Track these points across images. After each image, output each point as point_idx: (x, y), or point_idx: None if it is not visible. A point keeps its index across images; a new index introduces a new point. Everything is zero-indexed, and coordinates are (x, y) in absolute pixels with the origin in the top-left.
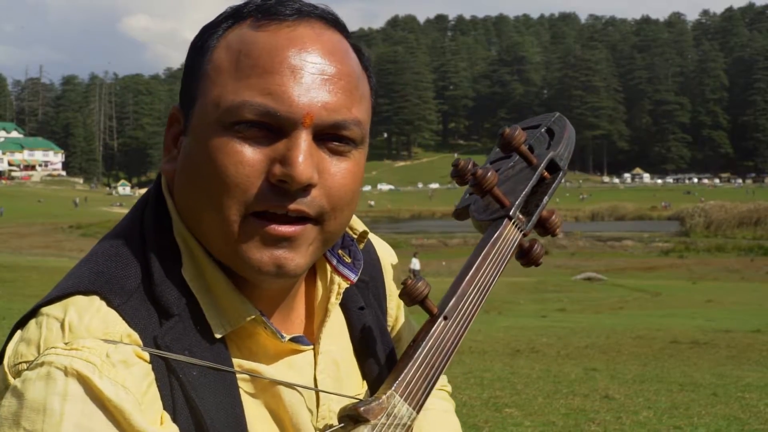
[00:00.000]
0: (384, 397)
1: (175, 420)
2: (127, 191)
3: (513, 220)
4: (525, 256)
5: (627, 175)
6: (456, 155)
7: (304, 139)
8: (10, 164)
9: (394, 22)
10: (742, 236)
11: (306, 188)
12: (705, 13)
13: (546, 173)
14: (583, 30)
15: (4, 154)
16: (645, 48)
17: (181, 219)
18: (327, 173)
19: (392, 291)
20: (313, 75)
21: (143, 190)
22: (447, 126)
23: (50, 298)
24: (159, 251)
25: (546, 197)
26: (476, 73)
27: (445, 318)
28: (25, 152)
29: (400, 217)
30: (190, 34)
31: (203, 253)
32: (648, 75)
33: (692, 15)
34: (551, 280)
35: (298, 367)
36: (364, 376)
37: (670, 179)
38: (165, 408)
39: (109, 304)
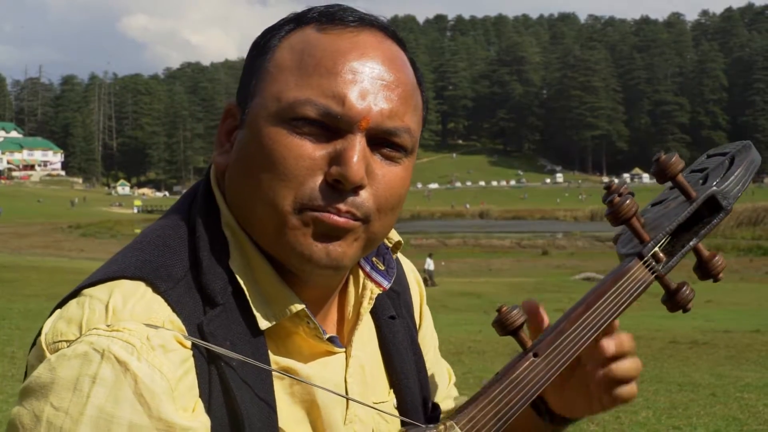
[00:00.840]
0: (442, 427)
1: (209, 408)
2: (126, 191)
3: (645, 260)
4: (671, 299)
5: (626, 176)
6: (454, 155)
7: (359, 142)
8: (9, 164)
9: (393, 22)
10: (741, 236)
11: (356, 189)
12: (704, 13)
13: (705, 210)
14: (582, 30)
15: (3, 153)
16: (644, 48)
17: (230, 211)
18: (378, 177)
19: (423, 313)
20: (373, 80)
21: (142, 190)
22: (446, 126)
23: (94, 281)
24: (207, 241)
25: (696, 239)
26: (475, 73)
27: (535, 355)
28: (25, 152)
29: (400, 217)
30: (189, 34)
31: (251, 245)
32: (647, 75)
33: (691, 15)
34: (550, 280)
35: (331, 368)
36: (392, 385)
37: None
38: (201, 396)
39: (155, 290)
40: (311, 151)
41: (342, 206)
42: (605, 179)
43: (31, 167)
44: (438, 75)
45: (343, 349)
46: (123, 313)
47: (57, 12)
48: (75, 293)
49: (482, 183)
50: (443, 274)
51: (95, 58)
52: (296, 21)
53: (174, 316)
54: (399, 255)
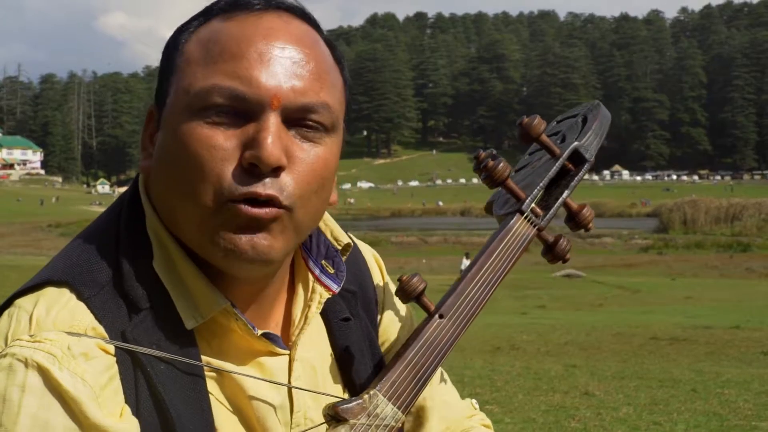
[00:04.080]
0: (366, 396)
1: (137, 413)
2: (106, 190)
3: (525, 215)
4: (550, 251)
5: (606, 172)
6: (434, 152)
7: (272, 122)
8: None
9: (373, 20)
10: (721, 233)
11: (276, 171)
12: (683, 10)
13: (571, 165)
14: (562, 28)
15: None
16: (624, 45)
17: (156, 214)
18: (296, 158)
19: (385, 300)
20: (281, 59)
21: (123, 189)
22: (426, 124)
23: (24, 288)
24: (131, 246)
25: (567, 190)
26: (455, 70)
27: (441, 316)
28: (4, 151)
29: (380, 215)
30: (168, 32)
31: (175, 246)
32: (627, 72)
33: (671, 13)
34: (531, 277)
35: (269, 371)
36: (346, 386)
37: (649, 176)
38: (127, 401)
39: (79, 296)
40: (223, 140)
41: (261, 190)
42: (586, 176)
43: (11, 166)
44: (418, 73)
45: (287, 351)
46: (46, 323)
47: (34, 10)
48: (8, 302)
49: (463, 180)
50: (424, 272)
51: (74, 56)
52: (204, 14)
53: (96, 323)
54: (358, 243)
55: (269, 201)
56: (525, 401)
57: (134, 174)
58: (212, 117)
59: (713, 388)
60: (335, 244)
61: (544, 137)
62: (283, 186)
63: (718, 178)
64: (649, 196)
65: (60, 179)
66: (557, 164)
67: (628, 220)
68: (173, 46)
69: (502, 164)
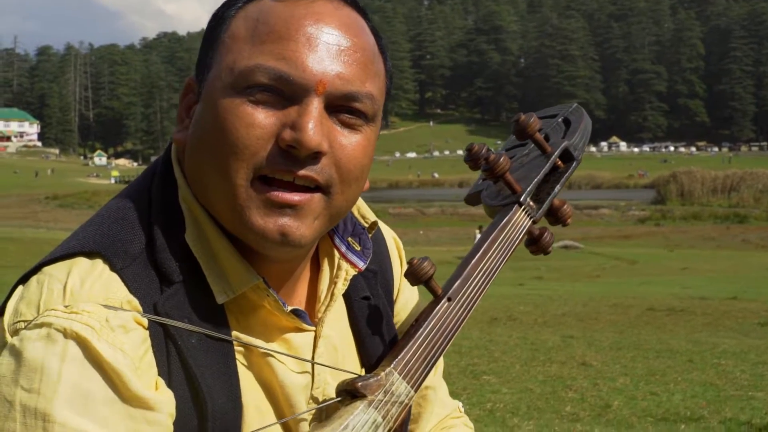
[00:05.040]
0: (383, 374)
1: (170, 386)
2: (103, 162)
3: (523, 207)
4: (535, 243)
5: (604, 144)
6: (431, 123)
7: (315, 107)
8: None
9: None
10: (718, 204)
11: (315, 156)
12: None
13: (560, 162)
14: None
15: None
16: (622, 17)
17: (188, 186)
18: (337, 144)
19: (403, 283)
20: (329, 45)
21: (119, 161)
22: (424, 95)
23: (54, 257)
24: (163, 217)
25: (558, 186)
26: (453, 42)
27: (449, 299)
28: (0, 123)
29: (378, 186)
30: (163, 3)
31: (208, 220)
32: (624, 44)
33: None
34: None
35: (295, 347)
36: (363, 365)
37: (646, 147)
38: (160, 374)
39: (112, 267)
40: (263, 118)
41: (300, 172)
42: None
43: (7, 138)
44: (415, 44)
45: (313, 328)
46: (81, 294)
47: None
48: (36, 269)
49: (460, 152)
50: (422, 243)
51: (70, 28)
52: None
53: (131, 296)
54: (380, 224)
55: (305, 186)
56: (522, 372)
57: (131, 146)
58: (255, 96)
59: (710, 358)
60: (362, 221)
61: (537, 135)
62: (323, 170)
63: (716, 149)
64: (647, 168)
65: (57, 151)
66: (550, 161)
67: (625, 191)
68: (219, 20)
69: (503, 158)
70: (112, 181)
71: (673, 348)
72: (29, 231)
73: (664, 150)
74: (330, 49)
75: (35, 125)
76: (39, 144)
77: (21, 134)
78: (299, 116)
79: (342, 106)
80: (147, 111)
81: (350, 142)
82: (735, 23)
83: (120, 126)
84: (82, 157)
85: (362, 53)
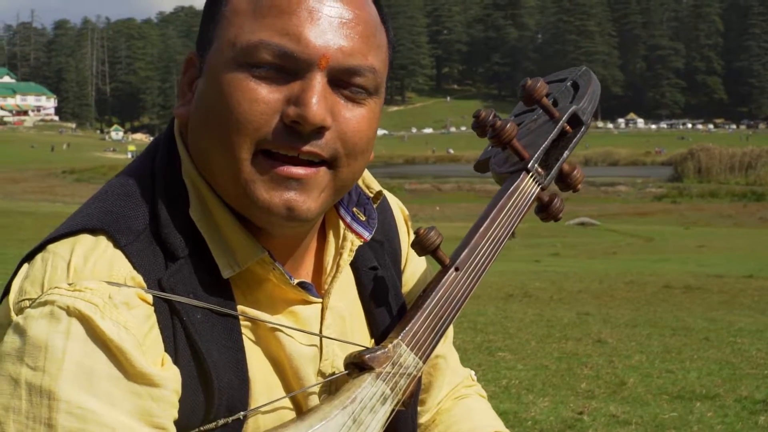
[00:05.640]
0: (390, 346)
1: (176, 362)
2: (119, 136)
3: (531, 173)
4: (545, 210)
5: (621, 121)
6: (448, 99)
7: (318, 81)
8: (2, 109)
9: None
10: (735, 182)
11: (319, 130)
12: None
13: (568, 127)
14: None
15: None
16: None
17: (191, 161)
18: (341, 118)
19: (410, 253)
20: (331, 18)
21: (136, 135)
22: (441, 71)
23: (58, 234)
24: (167, 193)
25: (567, 151)
26: (470, 17)
27: (457, 269)
28: (18, 97)
29: (394, 162)
30: None
31: (212, 195)
32: (643, 20)
33: None
34: (544, 224)
35: (302, 320)
36: (372, 335)
37: (664, 125)
38: (166, 350)
39: (116, 244)
40: (266, 93)
41: (304, 147)
42: (600, 124)
43: (25, 113)
44: (432, 19)
45: (320, 299)
46: (84, 272)
47: None
48: (41, 247)
49: None
50: (438, 219)
51: (87, 3)
52: None
53: (135, 273)
54: (386, 194)
55: (310, 161)
56: (537, 348)
57: (147, 120)
58: (258, 71)
59: (726, 336)
60: (367, 191)
61: (545, 100)
62: (327, 144)
63: (734, 127)
64: (664, 145)
65: (74, 125)
66: (558, 126)
67: (642, 168)
68: None
69: (510, 125)
70: (129, 155)
71: (689, 326)
72: (46, 205)
73: (681, 127)
74: (332, 22)
75: (52, 99)
76: (56, 118)
77: (38, 108)
78: (303, 91)
79: (345, 81)
80: (164, 85)
81: (354, 115)
82: None
83: (137, 100)
84: (98, 132)
85: (364, 26)
